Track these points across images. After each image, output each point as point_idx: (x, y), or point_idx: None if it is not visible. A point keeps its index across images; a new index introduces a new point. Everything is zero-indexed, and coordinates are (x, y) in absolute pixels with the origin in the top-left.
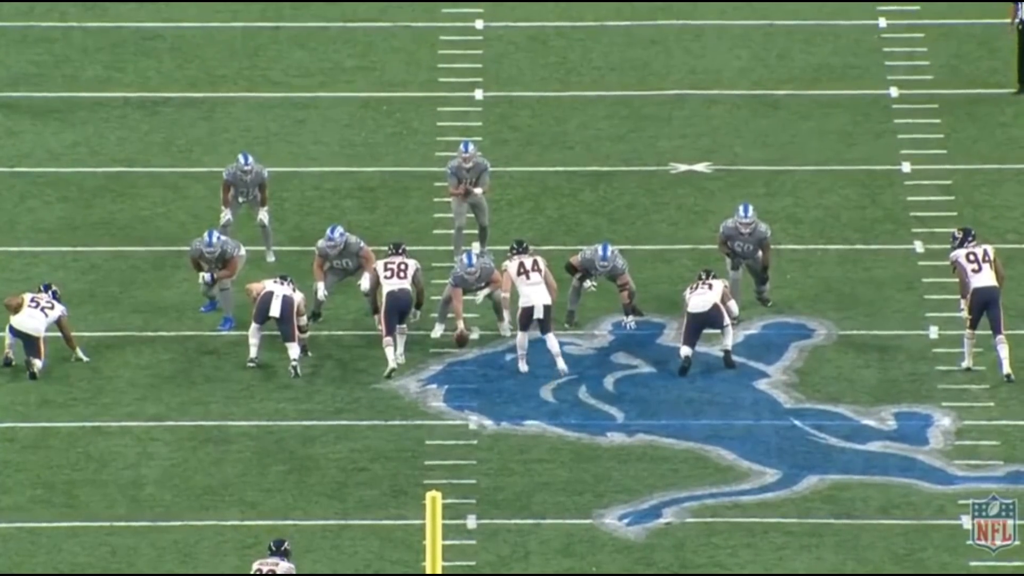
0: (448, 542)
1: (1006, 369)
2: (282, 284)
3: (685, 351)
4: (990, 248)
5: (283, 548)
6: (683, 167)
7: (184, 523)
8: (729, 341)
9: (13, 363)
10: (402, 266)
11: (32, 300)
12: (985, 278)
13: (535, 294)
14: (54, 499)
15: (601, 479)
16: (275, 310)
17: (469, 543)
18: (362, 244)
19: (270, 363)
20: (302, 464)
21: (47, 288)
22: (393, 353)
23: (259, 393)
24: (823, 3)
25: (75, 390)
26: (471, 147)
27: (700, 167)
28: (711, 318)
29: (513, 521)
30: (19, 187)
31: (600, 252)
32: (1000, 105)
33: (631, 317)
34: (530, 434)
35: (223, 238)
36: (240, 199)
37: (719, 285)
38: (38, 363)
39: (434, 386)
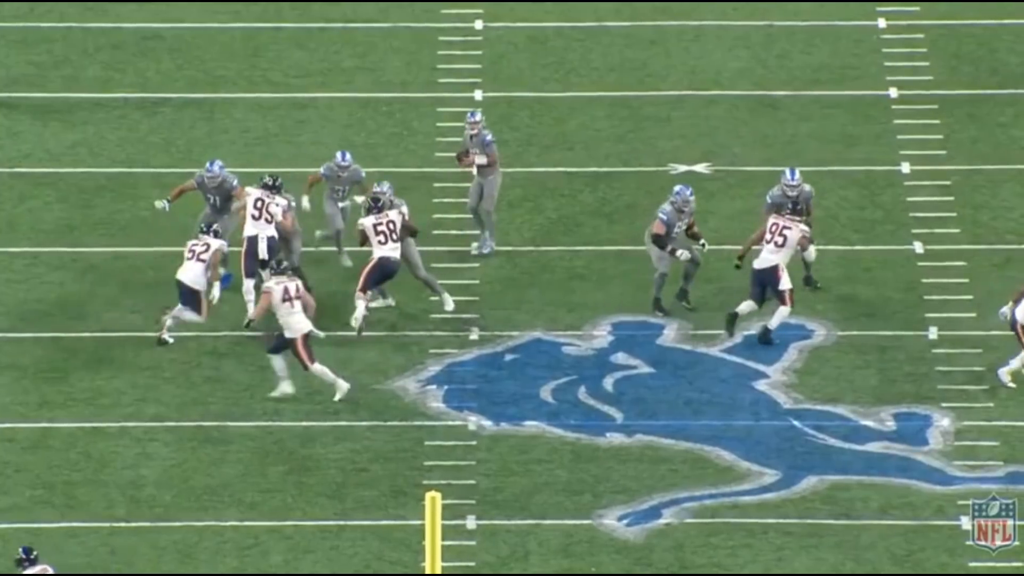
0: (447, 543)
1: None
2: (262, 218)
3: (746, 307)
4: None
5: (34, 555)
6: (683, 168)
7: (183, 524)
8: (776, 320)
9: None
10: (391, 225)
11: (189, 251)
12: None
13: (298, 323)
14: (54, 499)
15: (600, 480)
16: (263, 252)
17: (468, 544)
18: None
19: (271, 364)
20: (301, 465)
21: (208, 228)
22: (363, 311)
23: (259, 393)
24: (823, 4)
25: (74, 390)
26: (478, 115)
27: (700, 168)
28: (768, 278)
29: (512, 522)
30: (19, 187)
31: (685, 191)
32: (1000, 106)
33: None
34: (529, 435)
35: (225, 169)
36: (335, 197)
37: (795, 236)
38: (166, 336)
39: (433, 387)
